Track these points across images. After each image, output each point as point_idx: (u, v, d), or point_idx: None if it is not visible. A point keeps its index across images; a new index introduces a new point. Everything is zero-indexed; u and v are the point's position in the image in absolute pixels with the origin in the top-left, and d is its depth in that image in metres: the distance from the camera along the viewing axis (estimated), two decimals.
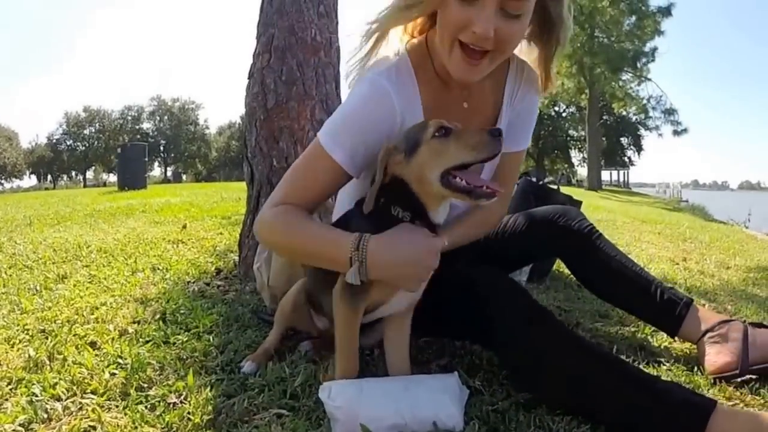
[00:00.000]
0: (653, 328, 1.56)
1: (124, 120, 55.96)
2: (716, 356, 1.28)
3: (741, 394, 1.19)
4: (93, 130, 55.04)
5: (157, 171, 54.79)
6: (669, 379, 1.23)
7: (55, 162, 54.28)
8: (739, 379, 1.22)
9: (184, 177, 50.57)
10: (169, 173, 54.20)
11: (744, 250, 4.14)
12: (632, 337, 1.55)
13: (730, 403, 1.15)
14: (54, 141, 54.73)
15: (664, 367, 1.31)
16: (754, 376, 1.22)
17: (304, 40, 2.10)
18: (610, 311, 1.77)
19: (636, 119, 34.97)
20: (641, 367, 1.32)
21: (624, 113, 32.92)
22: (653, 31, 23.18)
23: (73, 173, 57.34)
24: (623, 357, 1.35)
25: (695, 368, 1.30)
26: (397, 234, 0.97)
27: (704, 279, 2.62)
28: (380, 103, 1.06)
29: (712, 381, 1.24)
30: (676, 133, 25.09)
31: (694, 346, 1.38)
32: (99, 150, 53.38)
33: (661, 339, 1.52)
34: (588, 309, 1.81)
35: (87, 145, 54.46)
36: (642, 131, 37.23)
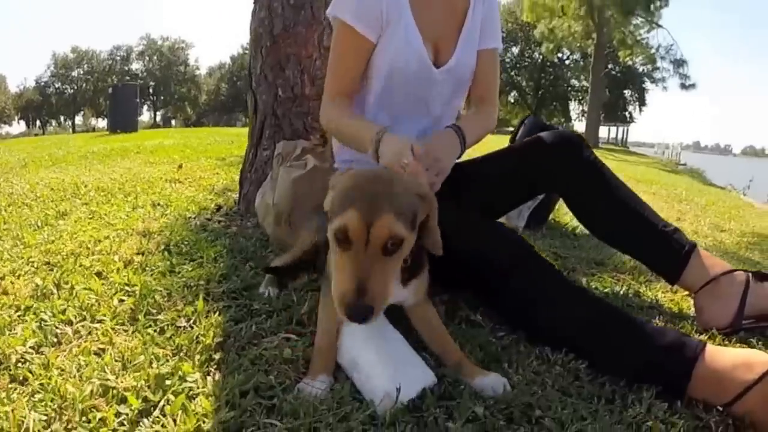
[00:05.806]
0: (648, 277, 1.58)
1: (113, 61, 54.06)
2: (710, 310, 1.26)
3: (729, 344, 1.20)
4: (81, 72, 53.33)
5: (146, 116, 53.63)
6: None
7: (44, 106, 52.93)
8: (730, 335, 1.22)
9: (173, 122, 49.65)
10: (158, 118, 53.16)
11: (740, 215, 4.15)
12: (627, 285, 1.55)
13: None
14: (42, 84, 53.16)
15: (656, 314, 1.33)
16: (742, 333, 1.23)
17: None
18: (605, 259, 1.79)
19: (643, 70, 33.80)
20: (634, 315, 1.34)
21: (630, 63, 31.66)
22: None
23: (62, 118, 56.10)
24: (616, 304, 1.37)
25: (686, 320, 1.32)
26: (397, 134, 1.15)
27: (698, 239, 2.63)
28: None
29: (701, 330, 1.25)
30: (683, 86, 23.82)
31: (688, 296, 1.38)
32: (88, 93, 51.96)
33: (655, 288, 1.53)
34: (584, 256, 1.82)
35: (75, 87, 52.95)
36: (647, 83, 36.08)
